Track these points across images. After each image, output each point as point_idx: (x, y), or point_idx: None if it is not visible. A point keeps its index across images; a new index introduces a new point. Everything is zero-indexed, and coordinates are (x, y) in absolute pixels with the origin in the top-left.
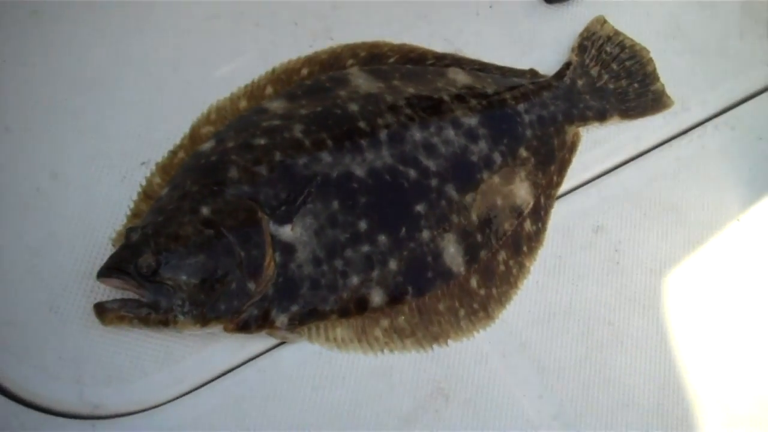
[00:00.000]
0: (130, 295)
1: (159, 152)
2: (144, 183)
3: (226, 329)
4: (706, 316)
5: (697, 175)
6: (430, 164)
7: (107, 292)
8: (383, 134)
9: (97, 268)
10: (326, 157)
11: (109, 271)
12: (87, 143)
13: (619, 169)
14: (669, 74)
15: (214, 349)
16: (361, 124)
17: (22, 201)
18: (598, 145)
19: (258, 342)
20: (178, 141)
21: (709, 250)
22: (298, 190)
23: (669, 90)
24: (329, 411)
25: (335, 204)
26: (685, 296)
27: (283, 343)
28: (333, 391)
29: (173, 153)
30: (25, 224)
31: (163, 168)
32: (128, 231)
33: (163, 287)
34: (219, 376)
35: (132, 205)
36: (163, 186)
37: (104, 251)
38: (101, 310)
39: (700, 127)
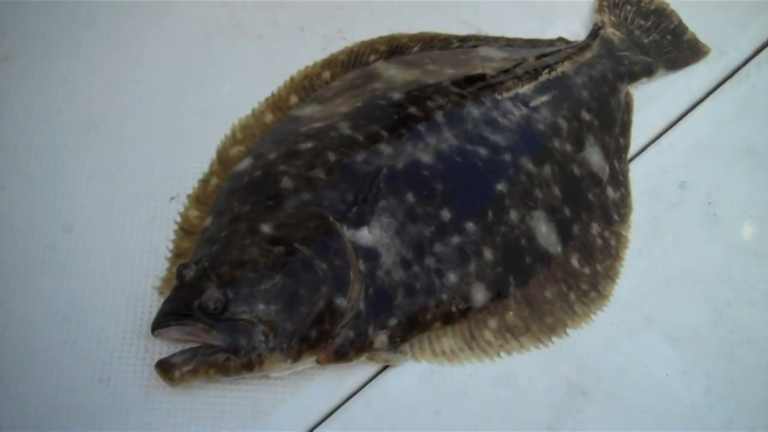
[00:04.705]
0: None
1: (186, 184)
2: (179, 219)
3: (320, 362)
4: None
5: (760, 113)
6: (498, 139)
7: (165, 349)
8: (439, 116)
9: (146, 324)
10: (386, 148)
11: (167, 318)
12: (99, 187)
13: (681, 121)
14: (695, 23)
15: (308, 391)
16: (412, 110)
17: (35, 262)
18: (651, 101)
19: (356, 372)
20: (206, 168)
21: None
22: (365, 188)
23: (700, 38)
24: None
25: (410, 196)
26: None
27: (386, 367)
28: (457, 412)
29: (204, 181)
30: (45, 288)
31: (197, 199)
32: (179, 269)
33: (238, 324)
34: (322, 420)
35: (171, 246)
36: (201, 218)
37: (150, 303)
38: (166, 368)
39: (743, 69)
